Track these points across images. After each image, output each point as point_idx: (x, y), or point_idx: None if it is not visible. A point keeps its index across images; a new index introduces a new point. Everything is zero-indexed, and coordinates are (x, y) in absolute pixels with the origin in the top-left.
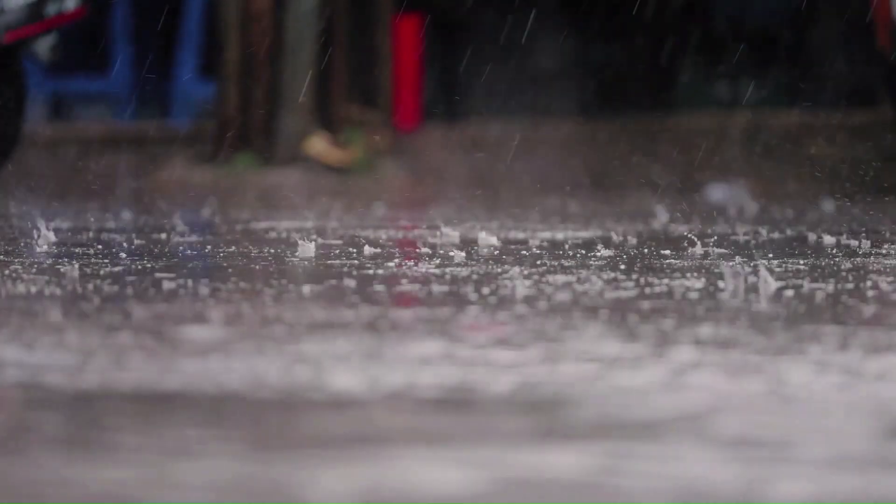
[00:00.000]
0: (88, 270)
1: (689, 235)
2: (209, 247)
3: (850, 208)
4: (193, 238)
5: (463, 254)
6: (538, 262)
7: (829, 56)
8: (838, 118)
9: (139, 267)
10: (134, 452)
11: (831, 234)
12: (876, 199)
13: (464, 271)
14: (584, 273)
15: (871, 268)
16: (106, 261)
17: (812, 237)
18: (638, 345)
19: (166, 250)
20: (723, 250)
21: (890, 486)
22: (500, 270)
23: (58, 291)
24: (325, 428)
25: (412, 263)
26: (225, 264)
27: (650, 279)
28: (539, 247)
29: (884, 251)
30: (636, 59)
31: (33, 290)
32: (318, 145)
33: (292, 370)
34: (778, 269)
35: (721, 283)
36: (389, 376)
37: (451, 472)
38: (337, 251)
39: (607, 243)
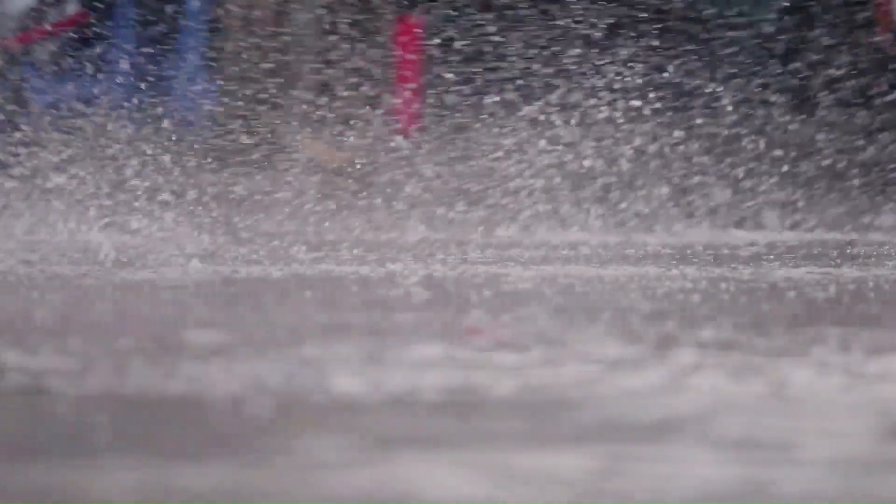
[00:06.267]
0: (90, 276)
1: (686, 237)
2: (210, 250)
3: (851, 208)
4: (194, 242)
5: (464, 256)
6: (538, 265)
7: (829, 55)
8: (839, 118)
9: (140, 270)
10: (136, 457)
11: (833, 234)
12: (877, 199)
13: (465, 274)
14: (584, 275)
15: (871, 268)
16: (107, 266)
17: (812, 238)
18: (640, 347)
19: (167, 254)
20: (719, 250)
21: (891, 487)
22: (501, 273)
23: (60, 297)
24: (327, 431)
25: (414, 267)
26: (226, 267)
27: (651, 281)
28: (538, 250)
29: (884, 251)
30: (639, 59)
31: (35, 294)
32: (319, 148)
33: (294, 374)
34: (780, 271)
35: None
36: (391, 379)
37: (454, 475)
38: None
39: (606, 244)
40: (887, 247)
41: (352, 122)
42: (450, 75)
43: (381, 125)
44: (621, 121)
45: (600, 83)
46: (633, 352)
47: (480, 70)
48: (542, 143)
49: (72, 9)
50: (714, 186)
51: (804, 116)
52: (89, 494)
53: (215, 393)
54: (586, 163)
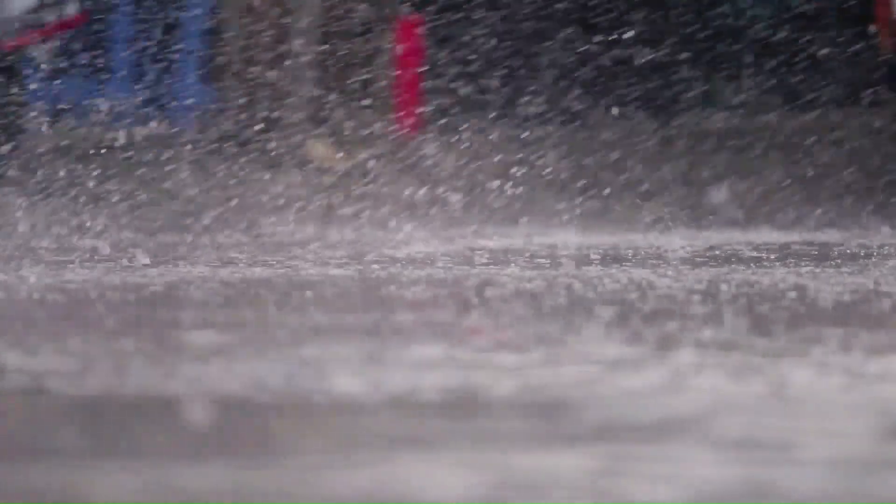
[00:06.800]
0: (90, 276)
1: (690, 238)
2: (211, 252)
3: (851, 209)
4: (195, 243)
5: (463, 258)
6: (538, 266)
7: (830, 56)
8: (840, 119)
9: (140, 272)
10: (136, 457)
11: (832, 235)
12: (877, 200)
13: (465, 275)
14: (585, 276)
15: (872, 268)
16: (107, 267)
17: (813, 238)
18: (640, 347)
19: (168, 256)
20: (722, 252)
21: (891, 487)
22: (501, 273)
23: (60, 297)
24: (327, 431)
25: (414, 267)
26: (227, 269)
27: (651, 282)
28: (538, 251)
29: (885, 252)
30: (640, 61)
31: (36, 296)
32: (320, 150)
33: (294, 374)
34: (781, 271)
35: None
36: (391, 379)
37: (454, 476)
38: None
39: (607, 245)
40: (887, 247)
41: (353, 122)
42: (450, 75)
43: (382, 125)
44: (621, 121)
45: (596, 84)
46: (633, 352)
47: (481, 69)
48: (543, 143)
49: (72, 9)
50: (713, 186)
51: (800, 116)
52: (89, 494)
53: (215, 393)
54: (589, 163)
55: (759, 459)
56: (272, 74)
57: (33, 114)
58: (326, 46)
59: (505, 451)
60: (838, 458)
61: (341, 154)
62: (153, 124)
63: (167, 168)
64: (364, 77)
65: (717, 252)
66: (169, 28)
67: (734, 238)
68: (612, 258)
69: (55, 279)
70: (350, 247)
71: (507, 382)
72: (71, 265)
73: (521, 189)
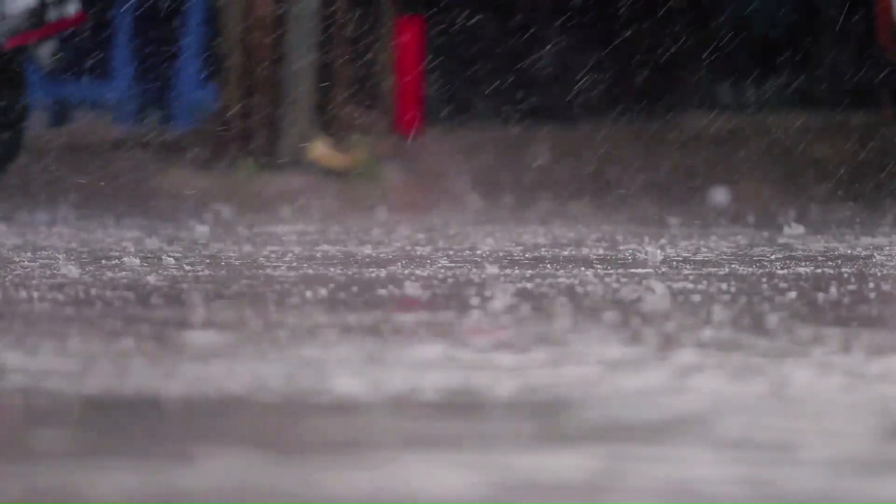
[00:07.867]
0: (91, 276)
1: (692, 239)
2: (211, 252)
3: (851, 209)
4: (196, 243)
5: (466, 258)
6: (539, 266)
7: (830, 57)
8: (840, 119)
9: (141, 272)
10: (137, 457)
11: (833, 235)
12: (877, 200)
13: (465, 275)
14: (585, 277)
15: (872, 269)
16: (108, 267)
17: (814, 239)
18: (640, 347)
19: (168, 255)
20: (722, 253)
21: (891, 487)
22: (501, 273)
23: (60, 297)
24: (327, 432)
25: (414, 267)
26: (227, 269)
27: (652, 282)
28: (538, 250)
29: (885, 252)
30: (639, 62)
31: (36, 295)
32: (321, 150)
33: (295, 374)
34: (781, 272)
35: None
36: (392, 380)
37: (454, 476)
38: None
39: (609, 247)
40: (887, 247)
41: (354, 123)
42: (450, 75)
43: (382, 126)
44: (620, 121)
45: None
46: (633, 352)
47: (482, 68)
48: (543, 143)
49: (72, 9)
50: (712, 187)
51: (799, 117)
52: (89, 494)
53: (215, 393)
54: (588, 163)
55: (759, 459)
56: (272, 74)
57: (34, 112)
58: (326, 46)
59: (505, 451)
60: (838, 458)
61: (341, 154)
62: (152, 123)
63: (167, 167)
64: (364, 77)
65: (717, 252)
66: (169, 28)
67: (734, 238)
68: (613, 258)
69: (54, 278)
70: (350, 246)
71: (507, 382)
72: (70, 264)
73: (520, 188)
